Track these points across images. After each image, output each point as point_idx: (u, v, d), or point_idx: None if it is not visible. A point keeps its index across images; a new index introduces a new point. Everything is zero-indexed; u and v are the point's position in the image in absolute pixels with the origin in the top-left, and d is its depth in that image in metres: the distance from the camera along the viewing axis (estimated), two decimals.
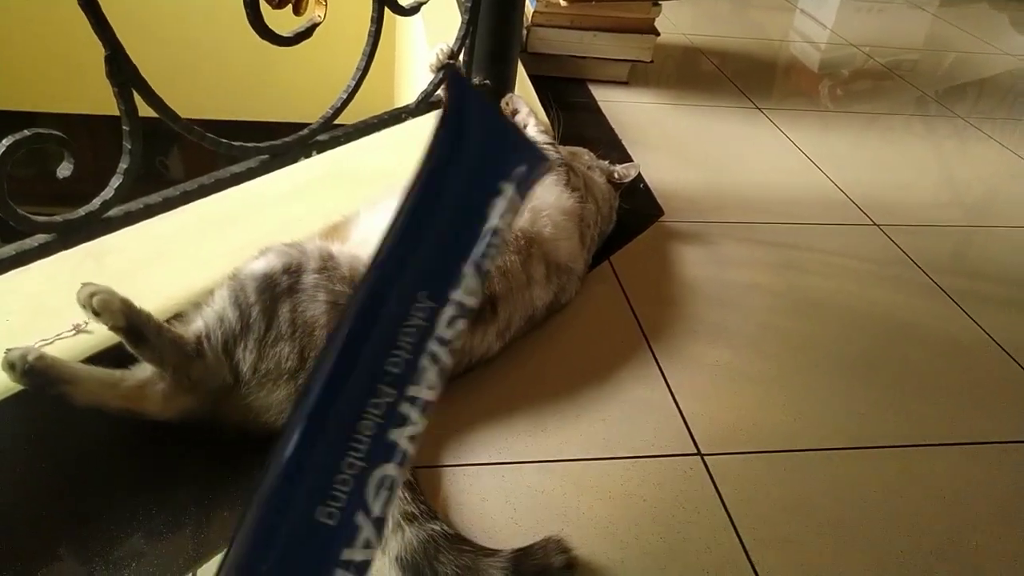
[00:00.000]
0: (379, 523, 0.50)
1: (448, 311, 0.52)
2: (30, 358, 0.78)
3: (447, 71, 0.75)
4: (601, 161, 1.38)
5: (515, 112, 1.34)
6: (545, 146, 1.22)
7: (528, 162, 0.54)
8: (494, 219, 0.54)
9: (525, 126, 1.30)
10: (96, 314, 0.80)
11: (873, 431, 1.04)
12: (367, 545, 0.49)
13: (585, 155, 1.37)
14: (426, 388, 0.51)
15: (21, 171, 0.80)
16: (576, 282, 1.17)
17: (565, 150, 1.30)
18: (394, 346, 0.51)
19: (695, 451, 0.97)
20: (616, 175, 1.36)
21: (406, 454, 0.51)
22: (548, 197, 1.13)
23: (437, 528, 0.77)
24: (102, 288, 0.81)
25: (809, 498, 0.93)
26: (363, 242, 1.03)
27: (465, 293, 0.53)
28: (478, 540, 0.82)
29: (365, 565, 0.49)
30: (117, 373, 0.84)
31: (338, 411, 0.50)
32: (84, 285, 0.81)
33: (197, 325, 0.85)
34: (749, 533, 0.87)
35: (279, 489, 0.49)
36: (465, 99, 0.54)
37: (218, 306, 0.85)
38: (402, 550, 0.76)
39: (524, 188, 0.54)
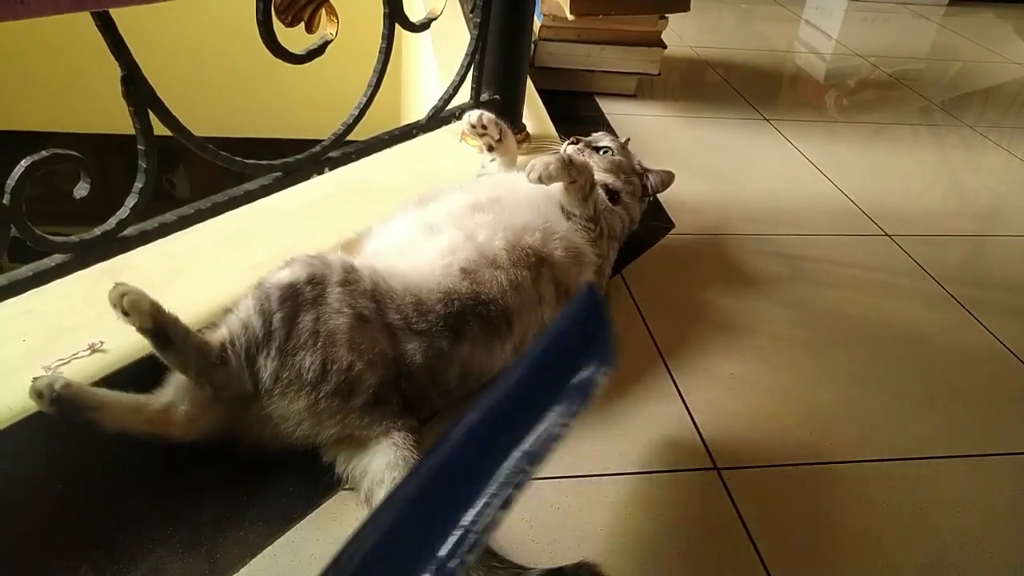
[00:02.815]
0: None
1: (556, 430, 0.68)
2: (57, 387, 0.78)
3: (590, 291, 0.87)
4: (650, 172, 1.37)
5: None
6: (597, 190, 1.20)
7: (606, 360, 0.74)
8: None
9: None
10: (125, 314, 0.80)
11: (888, 442, 1.04)
12: None
13: (635, 159, 1.37)
14: (535, 470, 0.65)
15: (30, 191, 0.80)
16: None
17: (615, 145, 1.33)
18: (531, 434, 0.66)
19: (711, 465, 0.97)
20: (651, 188, 1.37)
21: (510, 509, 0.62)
22: (575, 239, 1.13)
23: None
24: (133, 289, 0.81)
25: (826, 511, 0.93)
26: (376, 253, 1.03)
27: (570, 422, 0.69)
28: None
29: None
30: (141, 398, 0.84)
31: (483, 455, 0.65)
32: (116, 285, 0.81)
33: (222, 332, 0.86)
34: (767, 546, 0.87)
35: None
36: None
37: (243, 314, 0.86)
38: None
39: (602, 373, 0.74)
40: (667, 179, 1.37)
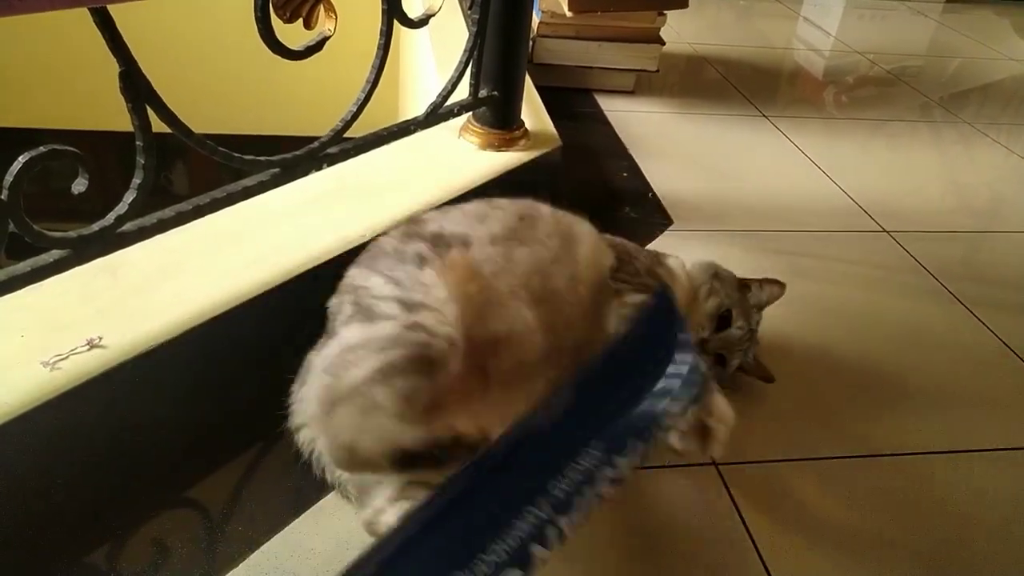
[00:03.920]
0: None
1: (610, 471, 0.62)
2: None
3: (659, 291, 0.77)
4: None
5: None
6: None
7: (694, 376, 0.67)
8: (663, 408, 0.66)
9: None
10: None
11: (888, 439, 1.04)
12: None
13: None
14: (568, 523, 0.58)
15: (28, 187, 0.80)
16: None
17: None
18: (561, 474, 0.59)
19: (710, 461, 0.97)
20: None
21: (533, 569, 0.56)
22: None
23: None
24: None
25: (826, 507, 0.93)
26: None
27: (626, 464, 0.63)
28: None
29: None
30: None
31: (493, 501, 0.57)
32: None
33: None
34: (766, 543, 0.87)
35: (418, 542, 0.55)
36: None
37: None
38: None
39: (692, 397, 0.68)
40: None
